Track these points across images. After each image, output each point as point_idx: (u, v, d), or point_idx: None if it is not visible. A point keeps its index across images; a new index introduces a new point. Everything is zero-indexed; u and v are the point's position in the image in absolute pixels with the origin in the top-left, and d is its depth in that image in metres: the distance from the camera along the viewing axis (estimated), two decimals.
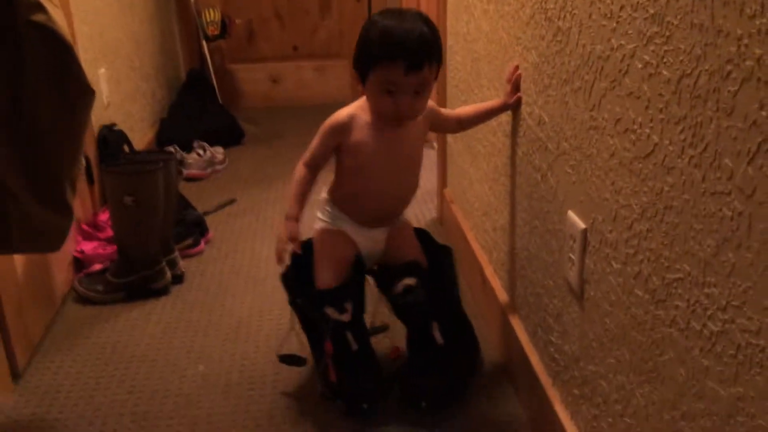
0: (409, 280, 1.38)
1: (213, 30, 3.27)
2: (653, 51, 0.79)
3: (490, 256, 1.67)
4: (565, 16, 1.07)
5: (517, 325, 1.43)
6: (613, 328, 0.96)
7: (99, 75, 2.30)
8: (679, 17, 0.73)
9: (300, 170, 1.37)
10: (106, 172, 1.80)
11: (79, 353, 1.63)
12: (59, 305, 1.81)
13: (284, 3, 3.69)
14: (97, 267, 1.91)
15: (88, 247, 1.96)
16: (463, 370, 1.44)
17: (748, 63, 0.61)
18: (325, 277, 1.38)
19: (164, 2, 3.35)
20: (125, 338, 1.69)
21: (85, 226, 2.01)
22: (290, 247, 1.33)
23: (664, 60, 0.77)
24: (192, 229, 2.10)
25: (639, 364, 0.89)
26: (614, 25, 0.89)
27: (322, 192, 1.46)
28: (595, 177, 1.00)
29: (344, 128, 1.33)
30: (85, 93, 1.04)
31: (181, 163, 2.73)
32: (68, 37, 1.00)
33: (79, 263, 1.94)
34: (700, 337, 0.73)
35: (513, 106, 1.35)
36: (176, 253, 1.93)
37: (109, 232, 2.01)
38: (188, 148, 2.82)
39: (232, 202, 2.51)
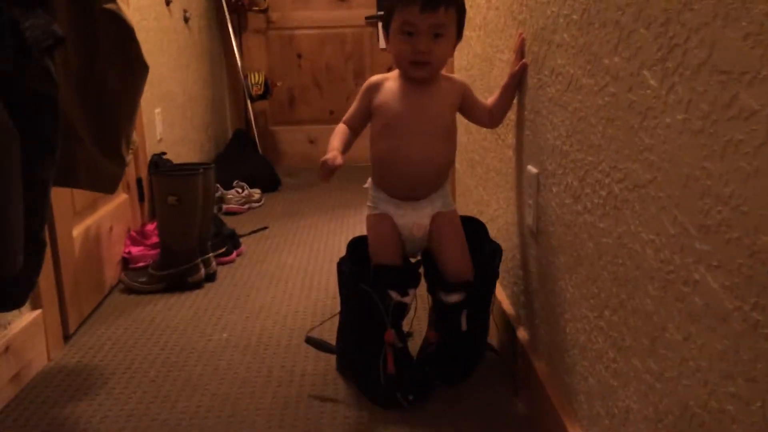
0: (460, 297, 1.44)
1: (257, 90, 3.66)
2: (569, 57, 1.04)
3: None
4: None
5: None
6: (561, 241, 1.16)
7: (155, 113, 2.65)
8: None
9: (338, 126, 1.49)
10: (155, 176, 2.10)
11: (120, 325, 1.87)
12: (106, 293, 2.07)
13: (323, 72, 4.10)
14: (141, 264, 2.17)
15: (135, 250, 2.24)
16: (478, 353, 1.56)
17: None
18: (381, 255, 1.45)
19: (217, 68, 3.78)
20: (161, 316, 1.92)
21: (134, 233, 2.29)
22: (331, 159, 1.35)
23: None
24: (226, 240, 2.37)
25: (580, 274, 1.08)
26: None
27: (367, 181, 1.53)
28: (545, 130, 1.23)
29: (375, 87, 1.45)
30: (142, 66, 1.34)
31: (221, 199, 3.03)
32: (131, 22, 1.31)
33: (126, 263, 2.21)
34: (600, 212, 0.94)
35: (519, 75, 1.38)
36: (210, 255, 2.19)
37: (154, 240, 2.29)
38: (228, 187, 3.13)
39: (264, 228, 2.77)
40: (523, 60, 1.36)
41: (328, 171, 1.35)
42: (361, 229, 2.62)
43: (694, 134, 0.68)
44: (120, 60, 1.31)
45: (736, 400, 0.63)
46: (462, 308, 1.46)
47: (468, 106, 1.49)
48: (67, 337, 1.77)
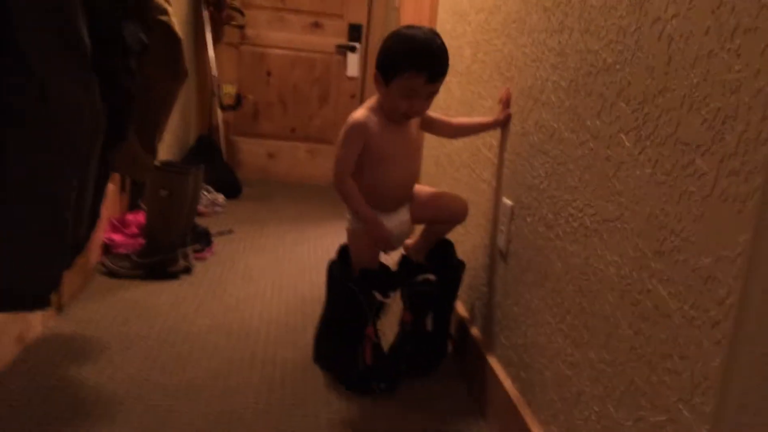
0: (431, 276, 1.70)
1: (229, 100, 3.83)
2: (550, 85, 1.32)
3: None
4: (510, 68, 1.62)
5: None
6: (525, 261, 1.42)
7: None
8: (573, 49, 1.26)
9: (346, 182, 1.60)
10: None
11: (107, 303, 2.00)
12: (90, 274, 2.19)
13: (289, 91, 4.30)
14: (122, 250, 2.30)
15: (117, 237, 2.37)
16: (441, 351, 1.81)
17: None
18: (364, 262, 1.66)
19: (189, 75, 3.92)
20: (145, 298, 2.07)
21: (114, 221, 2.42)
22: (385, 235, 1.61)
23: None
24: (201, 238, 2.53)
25: (545, 287, 1.35)
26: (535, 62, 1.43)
27: None
28: (524, 170, 1.50)
29: (366, 126, 1.59)
30: (184, 73, 1.53)
31: None
32: (180, 33, 1.50)
33: (107, 248, 2.33)
34: (563, 233, 1.20)
35: (503, 122, 1.61)
36: (189, 248, 2.34)
37: (134, 229, 2.42)
38: None
39: (230, 231, 2.93)
40: (508, 110, 1.62)
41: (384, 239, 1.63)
42: (322, 242, 2.85)
43: (658, 185, 0.95)
44: (166, 66, 1.49)
45: (671, 373, 0.89)
46: (428, 309, 1.72)
47: (427, 124, 1.74)
48: (60, 309, 1.89)
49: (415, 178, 1.75)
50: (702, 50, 0.86)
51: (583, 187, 1.19)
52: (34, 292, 1.07)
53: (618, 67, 1.09)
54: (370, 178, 1.64)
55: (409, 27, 1.60)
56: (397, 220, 1.69)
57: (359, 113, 1.63)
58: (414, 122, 1.70)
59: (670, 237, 0.91)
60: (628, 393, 0.99)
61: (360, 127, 1.60)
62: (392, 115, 1.62)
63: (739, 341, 0.77)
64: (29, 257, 1.04)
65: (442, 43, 1.56)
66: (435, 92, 1.60)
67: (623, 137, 1.06)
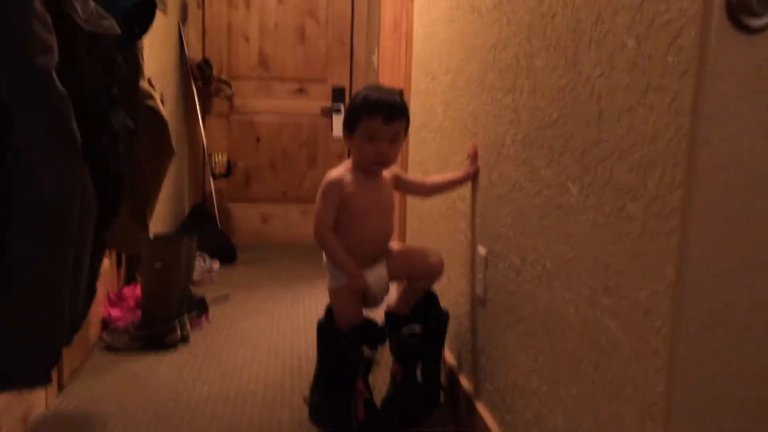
0: (417, 328, 1.76)
1: (220, 169, 3.95)
2: (521, 139, 1.42)
3: None
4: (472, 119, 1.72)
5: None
6: (502, 303, 1.50)
7: None
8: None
9: (327, 236, 1.70)
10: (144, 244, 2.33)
11: (107, 378, 2.06)
12: (90, 350, 2.25)
13: (279, 155, 4.43)
14: (120, 325, 2.37)
15: (114, 312, 2.44)
16: (432, 402, 1.85)
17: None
18: (349, 319, 1.71)
19: (179, 146, 4.05)
20: (144, 372, 2.12)
21: (112, 296, 2.49)
22: (364, 286, 1.69)
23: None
24: (197, 306, 2.59)
25: (519, 330, 1.42)
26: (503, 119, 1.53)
27: (323, 258, 1.78)
28: (493, 220, 1.58)
29: (339, 183, 1.69)
30: (171, 151, 1.63)
31: None
32: (165, 115, 1.61)
33: (106, 324, 2.40)
34: (541, 290, 1.28)
35: (473, 176, 1.71)
36: (186, 317, 2.41)
37: (131, 303, 2.49)
38: None
39: (226, 296, 3.00)
40: (476, 164, 1.72)
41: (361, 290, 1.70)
42: (317, 301, 2.91)
43: (600, 228, 1.03)
44: (154, 147, 1.60)
45: (626, 402, 0.95)
46: (416, 360, 1.77)
47: (402, 184, 1.86)
48: (60, 387, 1.95)
49: (389, 234, 1.81)
50: (624, 105, 0.96)
51: (542, 232, 1.27)
52: (35, 369, 1.14)
53: (562, 121, 1.18)
54: (346, 234, 1.72)
55: (365, 87, 1.76)
56: (375, 275, 1.76)
57: (335, 171, 1.74)
58: (388, 181, 1.79)
59: (613, 275, 0.99)
60: (595, 425, 1.05)
61: (335, 183, 1.71)
62: (363, 164, 1.71)
63: (674, 368, 0.84)
64: (29, 335, 1.12)
65: (396, 91, 1.72)
66: (397, 135, 1.69)
67: (570, 185, 1.14)
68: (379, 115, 1.65)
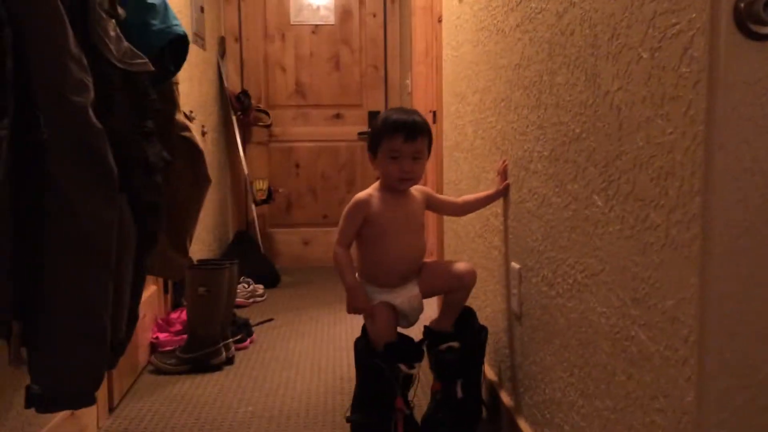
0: (454, 344, 1.78)
1: (261, 195, 4.04)
2: (540, 152, 1.44)
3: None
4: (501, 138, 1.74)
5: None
6: (539, 317, 1.50)
7: None
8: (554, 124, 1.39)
9: (338, 251, 1.75)
10: (188, 269, 2.41)
11: (155, 400, 2.12)
12: (139, 373, 2.32)
13: (318, 180, 4.51)
14: (167, 349, 2.44)
15: (162, 335, 2.51)
16: (473, 419, 1.85)
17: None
18: (384, 337, 1.71)
19: (223, 176, 4.17)
20: (190, 393, 2.18)
21: (160, 321, 2.57)
22: (362, 307, 1.72)
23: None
24: (241, 329, 2.65)
25: (556, 345, 1.42)
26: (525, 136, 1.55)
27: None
28: (525, 234, 1.60)
29: (366, 203, 1.74)
30: (206, 181, 1.70)
31: None
32: (201, 145, 1.68)
33: (154, 347, 2.48)
34: (569, 304, 1.29)
35: (504, 193, 1.74)
36: (230, 340, 2.47)
37: (177, 327, 2.56)
38: None
39: (270, 320, 3.06)
40: (507, 181, 1.74)
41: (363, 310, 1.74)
42: (358, 321, 2.93)
43: (626, 239, 1.04)
44: (190, 175, 1.66)
45: (659, 412, 0.95)
46: (456, 376, 1.77)
47: (434, 204, 1.90)
48: (111, 409, 2.02)
49: (420, 253, 1.83)
50: (642, 117, 0.97)
51: (572, 246, 1.28)
52: (79, 392, 1.19)
53: (584, 135, 1.20)
54: (374, 253, 1.77)
55: (385, 110, 1.80)
56: (404, 295, 1.78)
57: (363, 192, 1.80)
58: (418, 200, 1.82)
59: (641, 285, 0.99)
60: None
61: (360, 203, 1.76)
62: (390, 183, 1.75)
63: (704, 377, 0.84)
64: (73, 361, 1.17)
65: (415, 112, 1.78)
66: (420, 153, 1.73)
67: (596, 197, 1.15)
68: (400, 135, 1.70)
